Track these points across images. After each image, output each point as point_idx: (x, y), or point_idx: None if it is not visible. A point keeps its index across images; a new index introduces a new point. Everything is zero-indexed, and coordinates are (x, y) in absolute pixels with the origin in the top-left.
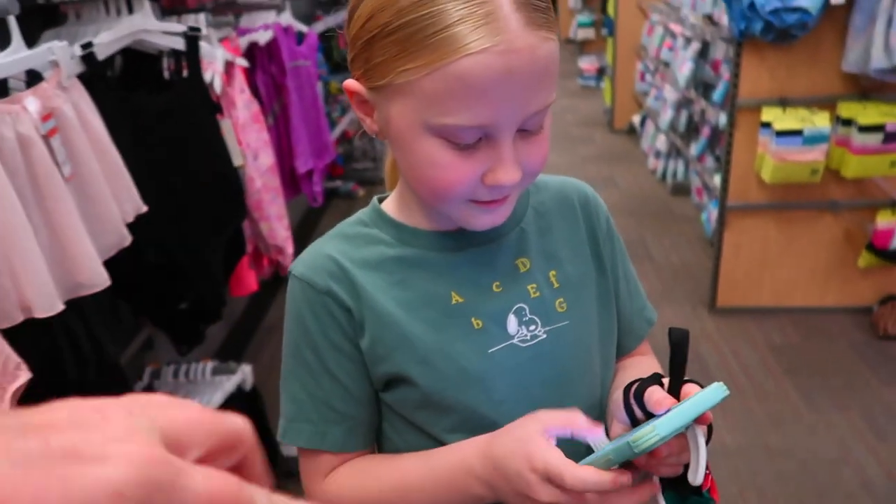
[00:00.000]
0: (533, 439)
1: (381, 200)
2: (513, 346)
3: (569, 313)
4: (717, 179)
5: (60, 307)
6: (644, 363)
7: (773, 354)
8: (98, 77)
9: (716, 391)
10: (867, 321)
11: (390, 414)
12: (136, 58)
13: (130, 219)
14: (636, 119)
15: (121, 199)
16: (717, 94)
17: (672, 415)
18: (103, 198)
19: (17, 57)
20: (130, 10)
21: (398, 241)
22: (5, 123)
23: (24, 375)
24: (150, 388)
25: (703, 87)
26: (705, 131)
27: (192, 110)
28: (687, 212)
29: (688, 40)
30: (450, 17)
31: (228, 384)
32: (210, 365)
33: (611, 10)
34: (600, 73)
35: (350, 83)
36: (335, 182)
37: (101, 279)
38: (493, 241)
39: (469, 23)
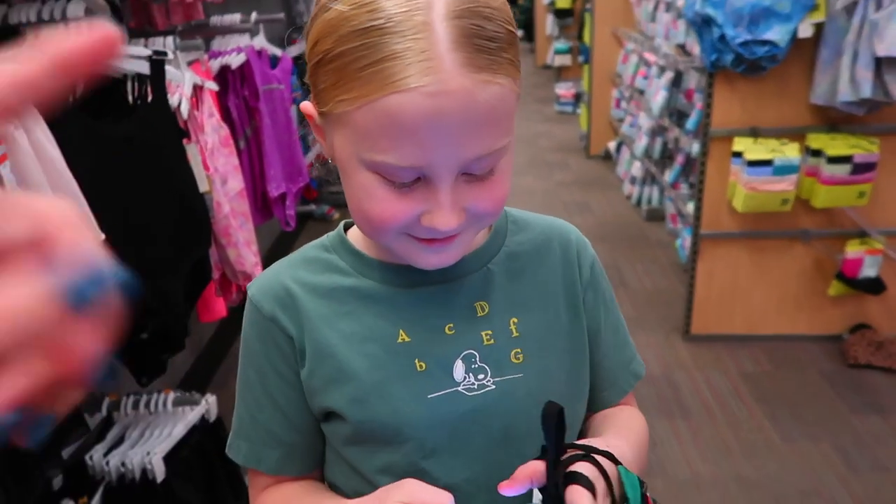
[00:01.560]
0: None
1: (348, 227)
2: (457, 394)
3: (524, 365)
4: (690, 206)
5: None
6: (620, 416)
7: (745, 382)
8: (58, 103)
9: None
10: (837, 349)
11: (328, 445)
12: (100, 82)
13: None
14: (612, 145)
15: None
16: (690, 123)
17: None
18: None
19: None
20: None
21: (355, 271)
22: None
23: None
24: (108, 420)
25: (677, 115)
26: (679, 159)
27: (156, 136)
28: (661, 238)
29: (661, 69)
30: (385, 50)
31: (191, 415)
32: (172, 396)
33: (587, 37)
34: (577, 99)
35: (305, 105)
36: (309, 206)
37: None
38: (453, 280)
39: (403, 59)
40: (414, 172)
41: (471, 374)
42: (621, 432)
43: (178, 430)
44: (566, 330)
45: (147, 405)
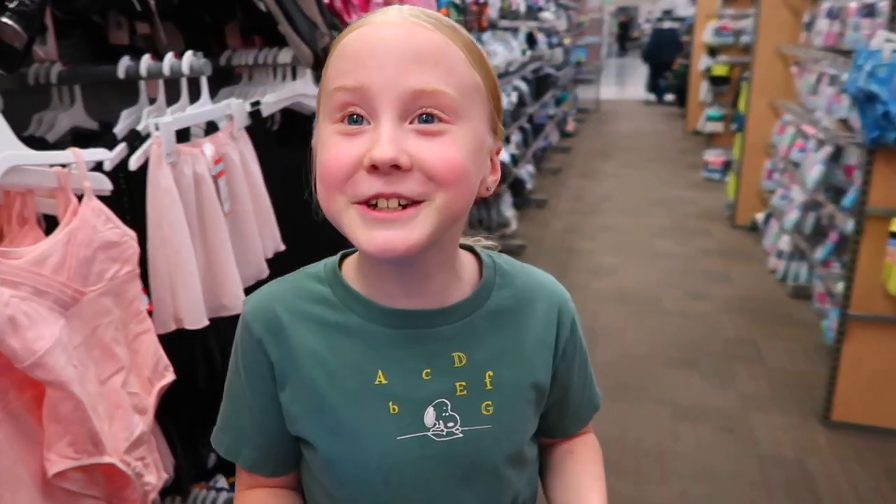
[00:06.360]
0: None
1: (345, 256)
2: (426, 438)
3: (494, 417)
4: (840, 286)
5: (206, 322)
6: (585, 452)
7: (890, 481)
8: (260, 130)
9: None
10: None
11: (304, 462)
12: (292, 117)
13: (270, 255)
14: (759, 216)
15: (265, 237)
16: (847, 200)
17: None
18: (252, 234)
19: (204, 109)
20: (294, 76)
21: (343, 305)
22: (186, 163)
23: (170, 376)
24: None
25: (833, 190)
26: (833, 236)
27: None
28: (806, 317)
29: (820, 143)
30: (352, 28)
31: None
32: None
33: (742, 106)
34: (726, 166)
35: (314, 142)
36: None
37: (240, 304)
38: (435, 326)
39: (361, 20)
40: (359, 98)
41: (441, 422)
42: (595, 485)
43: None
44: (535, 384)
45: None
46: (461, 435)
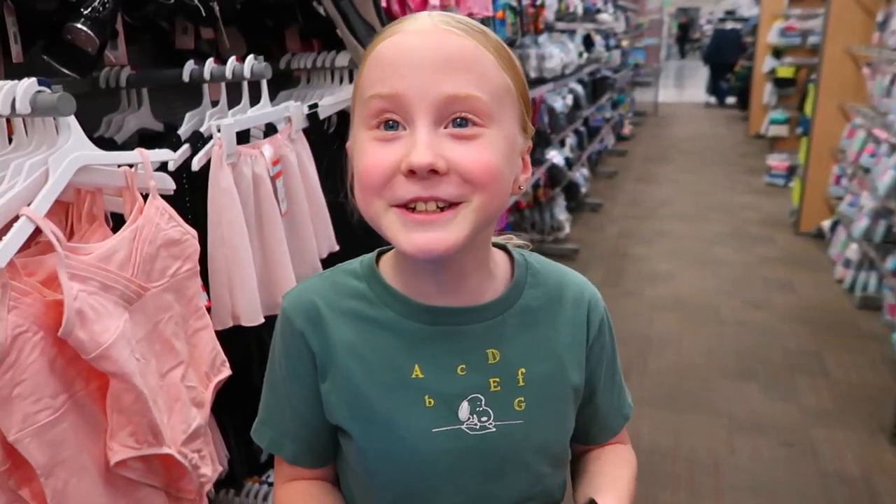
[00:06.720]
0: None
1: (382, 253)
2: (460, 431)
3: (525, 413)
4: None
5: (262, 320)
6: (613, 458)
7: None
8: (318, 132)
9: None
10: None
11: (340, 453)
12: (348, 119)
13: (324, 255)
14: (826, 224)
15: (320, 237)
16: None
17: None
18: (307, 234)
19: (264, 111)
20: (350, 79)
21: (380, 301)
22: (246, 164)
23: (226, 371)
24: None
25: None
26: None
27: None
28: (875, 329)
29: (893, 147)
30: (386, 34)
31: None
32: None
33: (808, 108)
34: (790, 172)
35: (348, 145)
36: None
37: None
38: (469, 323)
39: (394, 27)
40: (395, 105)
41: (475, 416)
42: (616, 484)
43: None
44: (569, 382)
45: None
46: (494, 429)
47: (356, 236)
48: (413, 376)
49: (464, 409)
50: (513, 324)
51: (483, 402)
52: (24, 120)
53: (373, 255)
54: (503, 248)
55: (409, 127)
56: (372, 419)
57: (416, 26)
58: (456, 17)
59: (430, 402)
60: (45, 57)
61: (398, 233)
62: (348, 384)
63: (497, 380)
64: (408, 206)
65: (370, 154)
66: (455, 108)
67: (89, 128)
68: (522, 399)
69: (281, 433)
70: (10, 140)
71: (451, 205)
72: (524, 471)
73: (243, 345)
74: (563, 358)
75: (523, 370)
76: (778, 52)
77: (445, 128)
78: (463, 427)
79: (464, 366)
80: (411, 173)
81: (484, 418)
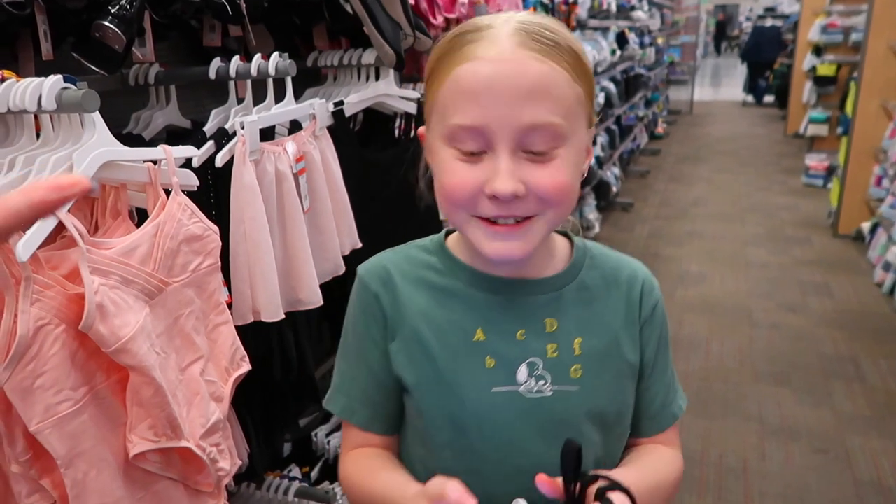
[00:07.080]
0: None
1: (449, 234)
2: (517, 393)
3: (581, 380)
4: None
5: (282, 316)
6: (654, 454)
7: None
8: (342, 130)
9: None
10: None
11: (405, 415)
12: (374, 117)
13: (347, 252)
14: (866, 226)
15: (343, 234)
16: None
17: None
18: (330, 231)
19: (288, 108)
20: (377, 77)
21: (448, 272)
22: (269, 161)
23: (246, 366)
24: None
25: None
26: None
27: (413, 167)
28: None
29: None
30: (465, 43)
31: None
32: None
33: (849, 107)
34: (829, 172)
35: (421, 129)
36: None
37: (316, 298)
38: (529, 294)
39: (474, 44)
40: (477, 135)
41: (532, 379)
42: (642, 470)
43: None
44: (622, 357)
45: None
46: (550, 394)
47: (381, 233)
48: (475, 339)
49: (522, 372)
50: (570, 298)
51: (541, 367)
52: (50, 116)
53: (441, 233)
54: (565, 234)
55: (490, 151)
56: (436, 377)
57: (496, 53)
58: (531, 33)
59: (490, 363)
60: (74, 54)
61: (481, 241)
62: (417, 344)
63: (554, 346)
64: (489, 219)
65: (456, 174)
66: (534, 136)
67: (118, 124)
68: (579, 366)
69: (353, 398)
70: (38, 136)
71: (527, 217)
72: (578, 435)
73: (264, 341)
74: (619, 334)
75: (580, 340)
76: (819, 50)
77: (524, 150)
78: (520, 389)
79: (523, 331)
80: (494, 197)
81: (541, 382)
